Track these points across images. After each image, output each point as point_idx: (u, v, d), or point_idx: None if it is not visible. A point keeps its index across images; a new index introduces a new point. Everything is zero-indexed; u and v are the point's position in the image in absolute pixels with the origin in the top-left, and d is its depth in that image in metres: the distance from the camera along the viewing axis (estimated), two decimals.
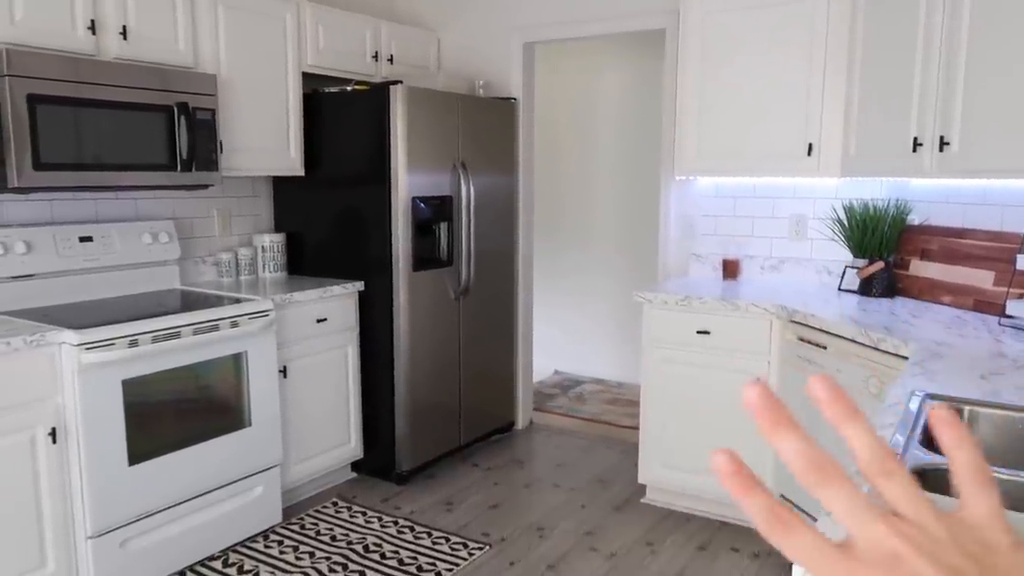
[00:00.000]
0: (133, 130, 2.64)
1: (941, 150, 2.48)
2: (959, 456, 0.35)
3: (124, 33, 2.65)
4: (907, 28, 2.62)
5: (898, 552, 0.31)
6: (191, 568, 2.70)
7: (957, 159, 2.43)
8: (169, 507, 2.60)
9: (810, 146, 3.02)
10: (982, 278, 2.69)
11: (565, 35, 3.85)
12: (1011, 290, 2.51)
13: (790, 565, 2.73)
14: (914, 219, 3.09)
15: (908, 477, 0.33)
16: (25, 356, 2.23)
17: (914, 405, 1.48)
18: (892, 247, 3.09)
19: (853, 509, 0.33)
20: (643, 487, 3.35)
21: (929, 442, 1.35)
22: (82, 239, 2.82)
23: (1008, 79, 2.26)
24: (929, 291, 2.93)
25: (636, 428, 3.74)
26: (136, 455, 2.48)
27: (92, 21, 2.57)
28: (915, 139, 2.58)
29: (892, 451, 0.34)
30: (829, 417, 0.35)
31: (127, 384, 2.44)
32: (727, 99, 3.18)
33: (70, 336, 2.30)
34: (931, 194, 3.02)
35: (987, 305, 2.64)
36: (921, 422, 1.38)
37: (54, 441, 2.31)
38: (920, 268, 3.01)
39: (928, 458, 1.21)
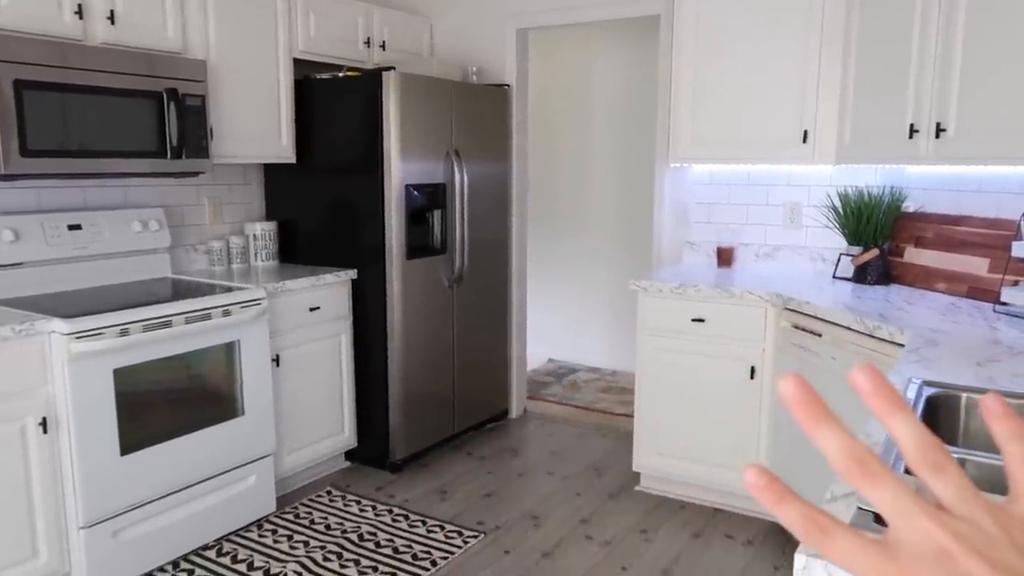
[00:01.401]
0: (121, 116, 2.61)
1: (937, 136, 2.47)
2: (1013, 449, 0.33)
3: (112, 18, 2.61)
4: (903, 13, 2.60)
5: (946, 548, 0.30)
6: (184, 558, 2.68)
7: (953, 145, 2.42)
8: (161, 497, 2.59)
9: (805, 133, 3.01)
10: (977, 265, 2.69)
11: (559, 21, 3.82)
12: (1006, 277, 2.51)
13: (784, 552, 2.74)
14: (909, 206, 3.09)
15: (958, 470, 0.32)
16: (14, 346, 2.20)
17: (912, 392, 1.47)
18: (887, 234, 3.08)
19: (898, 504, 0.31)
20: (637, 475, 3.36)
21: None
22: (71, 227, 2.79)
23: (1005, 65, 2.24)
24: (924, 278, 2.93)
25: (630, 416, 3.73)
26: (128, 445, 2.46)
27: (79, 5, 2.52)
28: (911, 126, 2.57)
29: (940, 442, 0.33)
30: (873, 408, 0.33)
31: (118, 373, 2.42)
32: (722, 86, 3.16)
33: (60, 325, 2.28)
34: (926, 181, 3.01)
35: (982, 292, 2.64)
36: (919, 409, 1.38)
37: (45, 431, 2.29)
38: (915, 255, 3.01)
39: None
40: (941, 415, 1.49)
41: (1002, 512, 0.31)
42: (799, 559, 0.87)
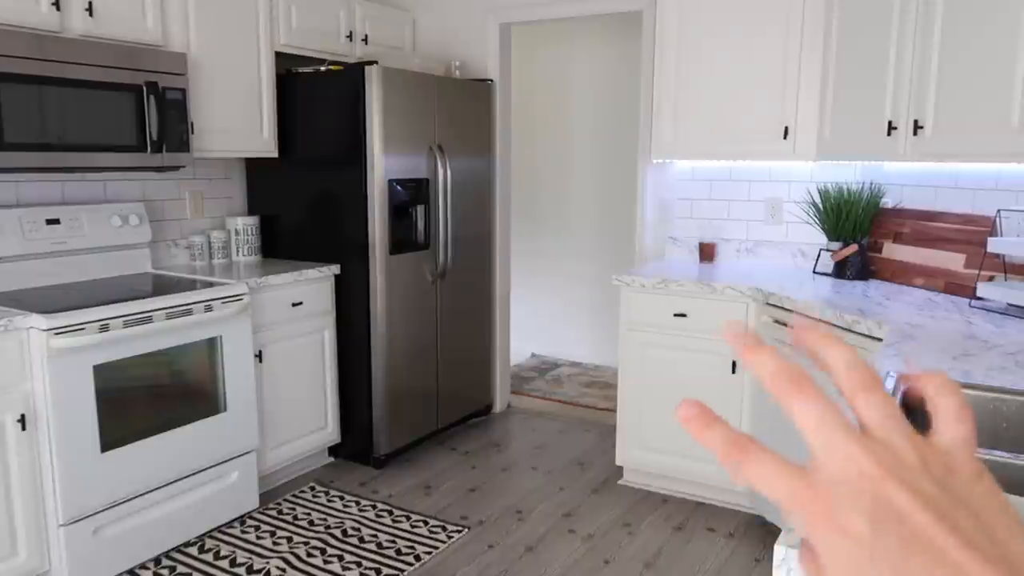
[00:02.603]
0: (101, 110, 2.58)
1: (915, 134, 2.50)
2: (943, 401, 0.33)
3: (90, 9, 2.57)
4: (882, 11, 2.63)
5: (868, 472, 0.29)
6: (166, 554, 2.67)
7: (931, 143, 2.46)
8: (143, 494, 2.57)
9: (786, 129, 3.03)
10: (954, 261, 2.73)
11: (542, 16, 3.82)
12: (981, 272, 2.55)
13: (765, 545, 2.78)
14: (887, 202, 3.13)
15: (886, 394, 0.31)
16: None
17: (889, 386, 1.50)
18: (866, 230, 3.12)
19: (823, 423, 0.30)
20: (620, 469, 3.38)
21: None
22: (49, 221, 2.75)
23: (981, 64, 2.28)
24: (902, 274, 2.97)
25: (613, 410, 3.76)
26: (108, 441, 2.44)
27: None
28: (890, 123, 2.60)
29: (870, 367, 0.32)
30: (808, 343, 0.33)
31: (98, 369, 2.40)
32: (704, 82, 3.18)
33: (39, 321, 2.25)
34: (904, 178, 3.05)
35: (958, 287, 2.68)
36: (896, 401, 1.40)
37: (23, 428, 2.26)
38: (893, 251, 3.05)
39: None
40: (918, 408, 1.51)
41: (922, 441, 0.31)
42: (778, 551, 0.88)
